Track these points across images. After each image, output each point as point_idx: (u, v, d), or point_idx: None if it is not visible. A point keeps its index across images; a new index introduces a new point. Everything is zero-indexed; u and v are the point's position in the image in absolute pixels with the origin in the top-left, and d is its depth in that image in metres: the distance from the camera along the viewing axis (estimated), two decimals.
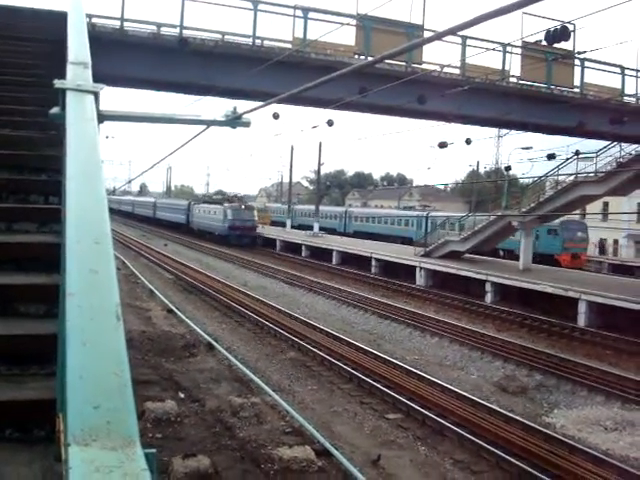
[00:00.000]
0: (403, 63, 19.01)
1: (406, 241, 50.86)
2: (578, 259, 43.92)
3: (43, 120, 5.94)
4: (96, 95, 2.77)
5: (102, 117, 3.42)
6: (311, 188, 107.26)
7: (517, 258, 35.77)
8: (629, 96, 22.97)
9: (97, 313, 1.35)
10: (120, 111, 4.17)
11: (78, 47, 3.38)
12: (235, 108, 4.41)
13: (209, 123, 4.71)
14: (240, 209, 55.57)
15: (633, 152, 29.90)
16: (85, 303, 1.36)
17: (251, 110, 4.78)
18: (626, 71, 22.75)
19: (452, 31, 4.13)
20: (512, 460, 11.51)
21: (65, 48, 4.14)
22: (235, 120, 4.35)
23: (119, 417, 1.09)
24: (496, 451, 11.92)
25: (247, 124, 4.44)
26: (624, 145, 30.04)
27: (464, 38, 19.79)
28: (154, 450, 1.06)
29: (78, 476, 0.93)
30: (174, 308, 24.55)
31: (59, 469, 2.62)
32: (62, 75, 3.26)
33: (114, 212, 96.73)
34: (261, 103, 6.50)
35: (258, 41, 17.98)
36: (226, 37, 17.81)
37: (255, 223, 56.13)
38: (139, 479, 0.95)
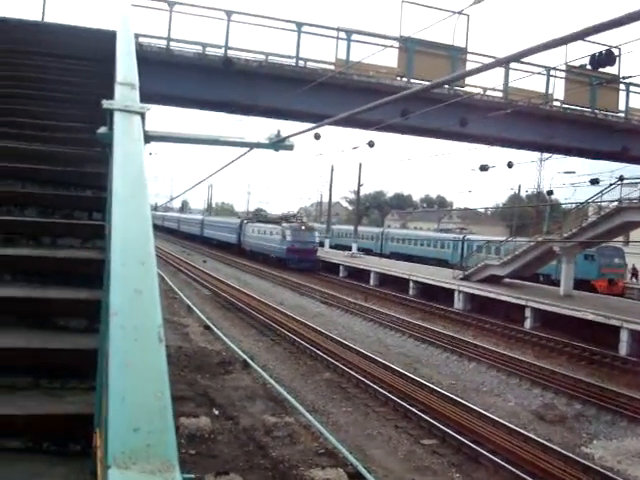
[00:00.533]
0: (446, 86, 18.99)
1: (442, 263, 50.41)
2: (615, 285, 43.31)
3: (89, 137, 6.07)
4: (143, 116, 2.82)
5: (148, 137, 3.47)
6: (350, 208, 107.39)
7: (554, 283, 35.20)
8: None
9: (140, 334, 1.36)
10: (166, 132, 4.22)
11: (126, 68, 3.44)
12: (279, 131, 4.44)
13: (253, 146, 4.75)
14: (300, 229, 51.35)
15: None
16: (128, 324, 1.38)
17: (296, 134, 4.81)
18: None
19: (498, 63, 4.12)
20: None
21: (113, 67, 4.23)
22: (278, 143, 4.38)
23: (159, 440, 1.10)
24: None
25: (290, 147, 4.46)
26: None
27: (507, 63, 19.69)
28: (193, 476, 1.06)
29: None
30: (211, 324, 24.68)
31: None
32: (110, 94, 3.33)
33: (157, 228, 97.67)
34: (305, 126, 6.55)
35: (301, 62, 18.14)
36: (270, 58, 18.02)
37: (316, 246, 52.03)
38: None
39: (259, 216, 67.90)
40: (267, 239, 53.99)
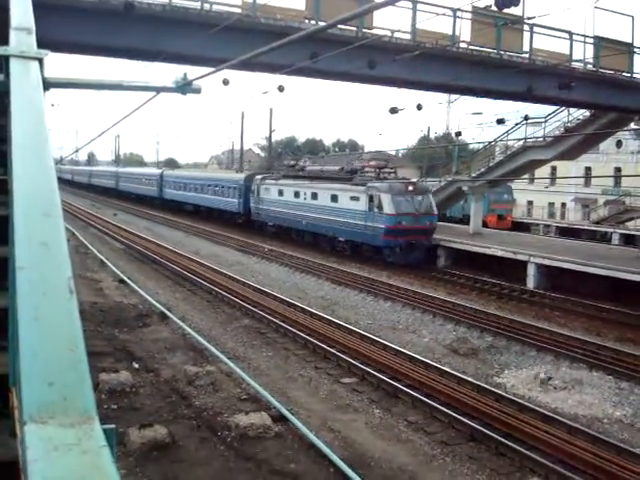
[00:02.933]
0: (354, 28, 18.87)
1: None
2: (504, 220, 46.22)
3: None
4: (41, 61, 2.68)
5: (48, 84, 3.31)
6: (263, 155, 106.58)
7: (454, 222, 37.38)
8: (577, 61, 23.25)
9: (49, 287, 1.31)
10: (66, 78, 4.04)
11: (21, 12, 3.25)
12: (185, 74, 4.32)
13: (159, 90, 4.61)
14: (409, 193, 30.01)
15: (581, 117, 30.46)
16: (36, 277, 1.33)
17: (202, 76, 4.70)
18: (574, 37, 22.99)
19: None
20: (464, 420, 11.78)
21: (6, 13, 3.98)
22: (185, 86, 4.27)
23: (75, 393, 1.07)
24: (449, 412, 12.18)
25: (198, 91, 4.36)
26: (572, 110, 30.56)
27: (415, 3, 19.71)
28: (113, 426, 1.05)
29: (36, 455, 0.91)
30: (126, 278, 24.28)
31: (13, 444, 2.59)
32: (4, 42, 3.14)
33: (72, 184, 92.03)
34: (212, 69, 6.38)
35: (206, 5, 17.61)
36: (174, 1, 17.40)
37: (435, 222, 30.98)
38: (98, 456, 0.93)
39: (290, 170, 41.14)
40: (331, 212, 32.49)
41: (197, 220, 47.49)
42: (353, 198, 30.88)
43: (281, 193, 37.71)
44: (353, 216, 30.56)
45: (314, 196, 34.18)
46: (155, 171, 65.60)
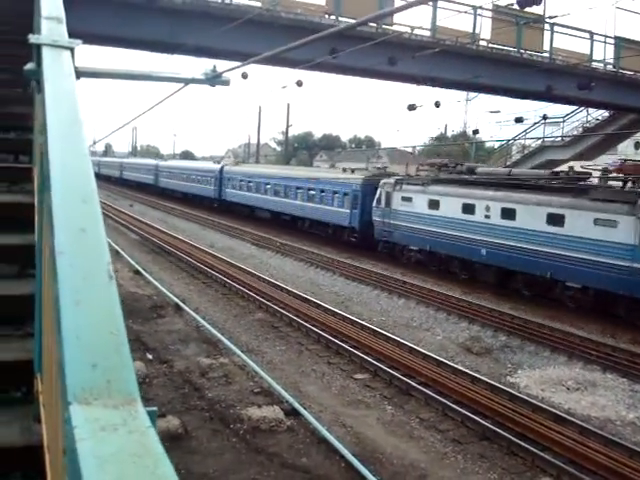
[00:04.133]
0: (374, 24, 18.85)
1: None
2: None
3: (8, 78, 5.80)
4: (72, 51, 2.71)
5: (79, 74, 3.34)
6: (279, 149, 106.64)
7: None
8: (597, 62, 23.11)
9: (88, 272, 1.34)
10: (97, 68, 4.09)
11: (51, 1, 3.29)
12: (214, 66, 4.35)
13: (188, 81, 4.64)
14: None
15: (599, 117, 30.27)
16: (76, 262, 1.35)
17: (231, 69, 4.74)
18: (595, 37, 22.86)
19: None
20: (476, 419, 11.77)
21: (32, 4, 4.03)
22: (215, 78, 4.29)
23: (119, 375, 1.10)
24: (461, 410, 12.17)
25: (227, 82, 4.39)
26: (591, 110, 30.39)
27: (435, 0, 19.66)
28: (155, 408, 1.07)
29: (84, 435, 0.93)
30: (141, 269, 24.40)
31: (37, 429, 2.63)
32: (29, 31, 3.18)
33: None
34: (234, 62, 6.41)
35: None
36: None
37: None
38: (144, 436, 0.95)
39: (446, 171, 29.67)
40: (548, 240, 21.96)
41: (211, 213, 47.43)
42: (602, 222, 20.17)
43: (435, 205, 26.79)
44: (602, 250, 19.92)
45: (507, 214, 23.49)
46: (212, 166, 53.91)
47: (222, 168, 49.16)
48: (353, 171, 35.03)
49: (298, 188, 37.35)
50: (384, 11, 13.23)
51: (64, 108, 2.05)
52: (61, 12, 3.11)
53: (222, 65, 5.31)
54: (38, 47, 2.70)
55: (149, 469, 0.88)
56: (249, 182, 44.00)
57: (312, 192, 35.74)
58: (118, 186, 73.42)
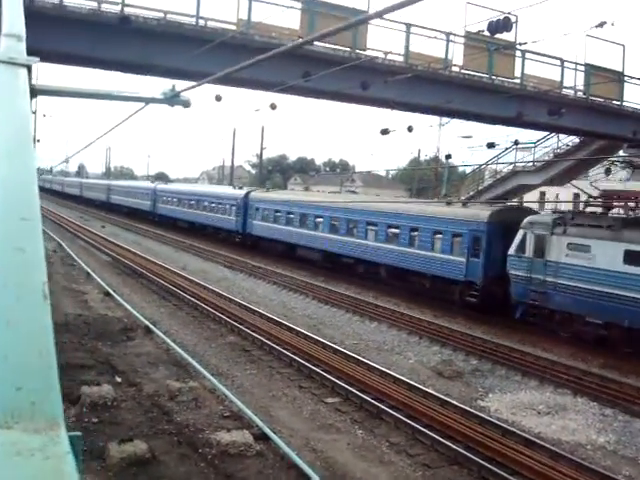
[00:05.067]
0: (347, 49, 19.00)
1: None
2: None
3: None
4: (29, 68, 2.67)
5: (35, 91, 3.31)
6: (253, 172, 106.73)
7: None
8: (568, 88, 23.48)
9: (22, 291, 1.30)
10: (55, 86, 4.04)
11: (12, 19, 3.25)
12: (174, 86, 4.33)
13: (147, 101, 4.61)
14: None
15: (570, 143, 30.75)
16: (10, 282, 1.31)
17: (189, 88, 4.72)
18: (565, 64, 23.23)
19: (393, 8, 4.14)
20: (447, 443, 11.73)
21: None
22: (173, 98, 4.27)
23: (43, 398, 1.05)
24: (431, 434, 12.13)
25: (186, 103, 4.36)
26: (562, 136, 30.87)
27: (408, 26, 19.88)
28: (79, 433, 1.03)
29: None
30: (111, 291, 24.15)
31: None
32: None
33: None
34: (201, 81, 6.40)
35: (201, 21, 17.68)
36: (168, 16, 17.46)
37: None
38: (62, 462, 0.91)
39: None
40: None
41: (187, 236, 47.11)
42: None
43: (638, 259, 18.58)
44: None
45: None
46: (233, 192, 45.59)
47: (247, 194, 41.48)
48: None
49: (370, 224, 29.50)
50: (353, 20, 13.34)
51: (13, 125, 2.01)
52: (21, 29, 3.08)
53: (189, 85, 5.31)
54: None
55: None
56: (289, 214, 35.78)
57: (394, 230, 28.03)
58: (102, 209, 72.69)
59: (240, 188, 47.00)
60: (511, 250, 22.07)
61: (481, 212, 24.62)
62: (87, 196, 79.47)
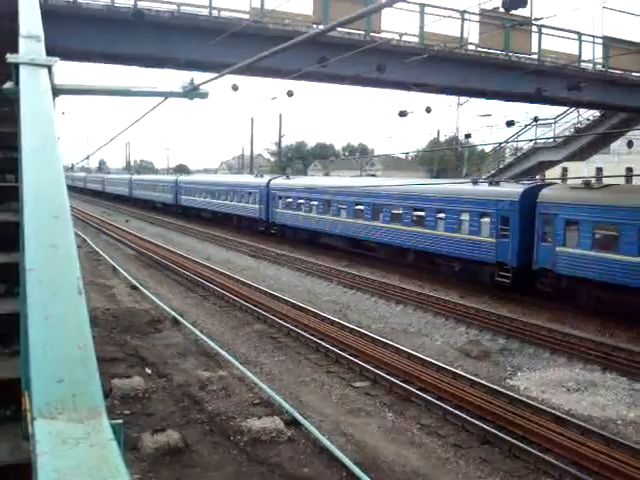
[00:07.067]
0: (362, 32, 18.91)
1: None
2: None
3: None
4: (50, 68, 2.72)
5: (57, 91, 3.36)
6: (273, 160, 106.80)
7: None
8: (586, 62, 23.19)
9: (58, 287, 1.34)
10: (75, 85, 4.08)
11: (30, 21, 3.30)
12: (192, 79, 4.35)
13: (166, 95, 4.64)
14: None
15: (590, 117, 30.38)
16: (46, 278, 1.35)
17: (208, 81, 4.74)
18: (583, 37, 22.94)
19: None
20: (477, 423, 11.74)
21: (16, 22, 4.03)
22: (192, 91, 4.30)
23: (84, 389, 1.09)
24: (462, 414, 12.15)
25: (204, 95, 4.39)
26: (582, 111, 30.50)
27: (422, 6, 19.73)
28: (120, 421, 1.07)
29: (45, 449, 0.93)
30: (138, 284, 24.37)
31: (27, 447, 2.62)
32: (14, 51, 3.19)
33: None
34: (218, 74, 6.42)
35: (215, 12, 17.70)
36: (182, 8, 17.50)
37: None
38: (106, 449, 0.95)
39: None
40: None
41: (208, 226, 47.32)
42: None
43: None
44: None
45: None
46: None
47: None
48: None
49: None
50: (368, 8, 13.21)
51: (38, 125, 2.06)
52: (39, 31, 3.12)
53: (207, 77, 5.34)
54: (16, 66, 2.71)
55: None
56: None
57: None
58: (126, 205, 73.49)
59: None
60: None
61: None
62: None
